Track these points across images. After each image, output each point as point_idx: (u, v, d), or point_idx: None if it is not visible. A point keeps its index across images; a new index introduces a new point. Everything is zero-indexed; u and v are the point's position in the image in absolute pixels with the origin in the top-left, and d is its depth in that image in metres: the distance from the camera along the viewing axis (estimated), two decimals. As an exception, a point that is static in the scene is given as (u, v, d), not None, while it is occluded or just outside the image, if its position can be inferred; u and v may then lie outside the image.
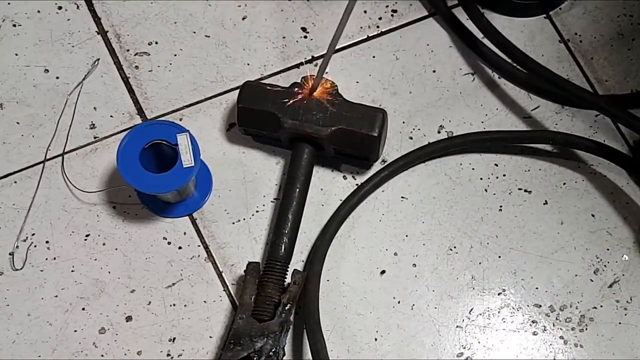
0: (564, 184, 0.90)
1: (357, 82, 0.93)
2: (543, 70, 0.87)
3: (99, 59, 0.92)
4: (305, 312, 0.79)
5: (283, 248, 0.82)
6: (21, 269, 0.84)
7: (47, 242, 0.85)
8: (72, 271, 0.85)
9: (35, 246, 0.85)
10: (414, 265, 0.86)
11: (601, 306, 0.86)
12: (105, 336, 0.83)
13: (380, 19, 0.95)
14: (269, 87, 0.86)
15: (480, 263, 0.87)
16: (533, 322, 0.85)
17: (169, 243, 0.86)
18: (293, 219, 0.83)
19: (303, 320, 0.81)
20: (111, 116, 0.90)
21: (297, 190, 0.84)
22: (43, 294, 0.84)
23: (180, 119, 0.90)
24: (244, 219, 0.87)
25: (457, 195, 0.89)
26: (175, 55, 0.93)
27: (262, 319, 0.79)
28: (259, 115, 0.85)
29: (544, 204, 0.89)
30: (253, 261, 0.82)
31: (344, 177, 0.89)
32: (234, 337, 0.78)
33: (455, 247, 0.87)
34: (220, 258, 0.86)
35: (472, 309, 0.85)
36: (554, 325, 0.85)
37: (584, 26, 0.96)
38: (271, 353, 0.77)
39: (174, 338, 0.83)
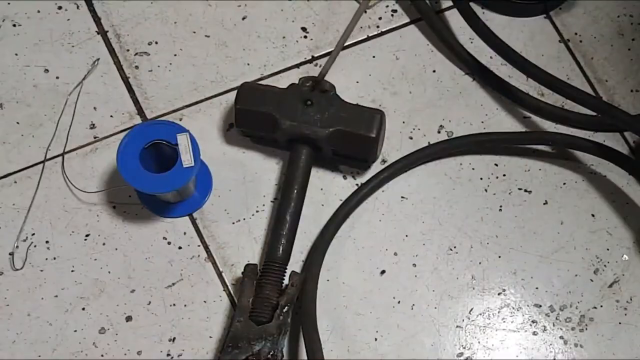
0: (564, 184, 0.90)
1: (357, 82, 0.93)
2: (542, 74, 0.86)
3: (99, 59, 0.92)
4: (302, 313, 0.79)
5: (281, 249, 0.82)
6: (21, 269, 0.84)
7: (47, 242, 0.85)
8: (72, 271, 0.85)
9: (35, 246, 0.85)
10: (414, 265, 0.86)
11: (601, 306, 0.86)
12: (105, 336, 0.83)
13: (380, 18, 0.95)
14: (266, 88, 0.86)
15: (480, 263, 0.87)
16: (533, 322, 0.85)
17: (169, 243, 0.86)
18: (291, 221, 0.83)
19: (300, 321, 0.81)
20: (111, 116, 0.90)
21: (295, 191, 0.84)
22: (43, 294, 0.84)
23: (180, 119, 0.90)
24: (244, 219, 0.87)
25: (457, 195, 0.89)
26: (175, 55, 0.93)
27: (260, 320, 0.78)
28: (257, 116, 0.85)
29: (544, 204, 0.89)
30: (251, 263, 0.82)
31: (344, 177, 0.89)
32: (232, 340, 0.78)
33: (455, 247, 0.87)
34: (220, 258, 0.86)
35: (472, 309, 0.85)
36: (554, 325, 0.85)
37: (584, 26, 0.96)
38: (269, 356, 0.77)
39: (174, 338, 0.83)
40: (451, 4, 0.94)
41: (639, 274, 0.87)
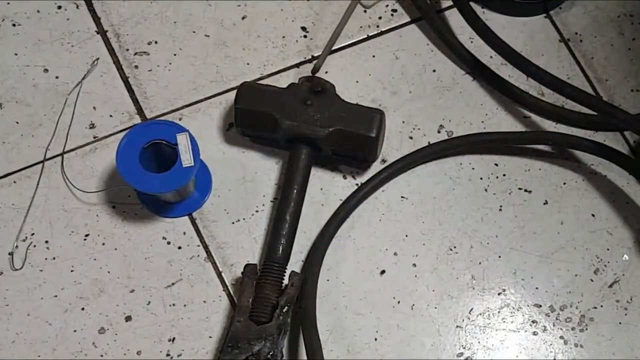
0: (564, 184, 0.90)
1: (357, 81, 0.93)
2: (542, 74, 0.86)
3: (98, 59, 0.92)
4: (302, 313, 0.79)
5: (281, 249, 0.82)
6: (21, 269, 0.84)
7: (46, 242, 0.85)
8: (72, 271, 0.84)
9: (34, 246, 0.85)
10: (414, 265, 0.86)
11: (601, 306, 0.86)
12: (105, 336, 0.83)
13: (380, 18, 0.95)
14: (266, 88, 0.86)
15: (480, 263, 0.87)
16: (533, 322, 0.85)
17: (169, 243, 0.86)
18: (291, 221, 0.83)
19: (300, 321, 0.81)
20: (111, 116, 0.90)
21: (295, 191, 0.84)
22: (42, 293, 0.84)
23: (180, 119, 0.90)
24: (244, 219, 0.87)
25: (457, 195, 0.89)
26: (175, 55, 0.93)
27: (259, 320, 0.78)
28: (257, 116, 0.85)
29: (544, 204, 0.89)
30: (251, 263, 0.82)
31: (344, 177, 0.89)
32: (232, 340, 0.78)
33: (455, 247, 0.87)
34: (219, 258, 0.86)
35: (472, 309, 0.85)
36: (554, 325, 0.85)
37: (584, 26, 0.96)
38: (269, 356, 0.77)
39: (174, 338, 0.83)
40: (451, 3, 0.94)
41: (639, 274, 0.87)
